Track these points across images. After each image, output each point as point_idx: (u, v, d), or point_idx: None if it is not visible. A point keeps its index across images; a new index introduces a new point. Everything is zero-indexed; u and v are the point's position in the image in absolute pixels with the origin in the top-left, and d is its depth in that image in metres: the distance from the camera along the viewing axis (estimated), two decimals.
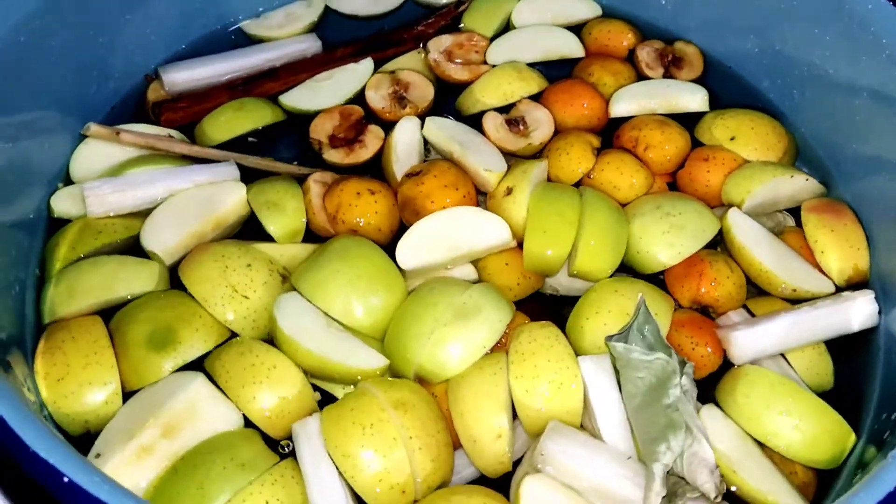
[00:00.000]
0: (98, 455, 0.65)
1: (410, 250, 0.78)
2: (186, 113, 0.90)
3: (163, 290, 0.76)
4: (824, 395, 0.73)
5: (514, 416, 0.70)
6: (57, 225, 0.81)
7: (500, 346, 0.73)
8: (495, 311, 0.73)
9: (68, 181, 0.84)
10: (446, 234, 0.79)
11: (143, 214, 0.81)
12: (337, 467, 0.65)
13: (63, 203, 0.82)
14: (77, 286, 0.74)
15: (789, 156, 0.89)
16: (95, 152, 0.85)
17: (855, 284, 0.79)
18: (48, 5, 0.78)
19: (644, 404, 0.67)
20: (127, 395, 0.70)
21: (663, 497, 0.61)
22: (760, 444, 0.69)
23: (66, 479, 0.47)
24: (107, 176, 0.83)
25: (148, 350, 0.71)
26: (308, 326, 0.72)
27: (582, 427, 0.70)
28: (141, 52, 0.93)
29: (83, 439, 0.68)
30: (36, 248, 0.79)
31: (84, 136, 0.85)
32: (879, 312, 0.75)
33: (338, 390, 0.73)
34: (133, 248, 0.79)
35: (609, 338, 0.70)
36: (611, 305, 0.74)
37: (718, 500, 0.61)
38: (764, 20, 0.91)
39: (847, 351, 0.75)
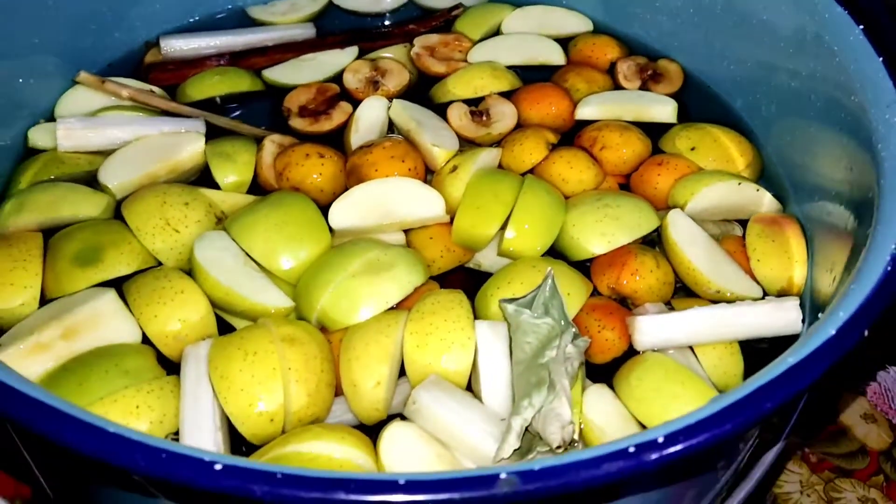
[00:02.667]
0: None
1: (343, 210, 0.80)
2: (173, 74, 0.96)
3: (104, 218, 0.81)
4: None
5: (403, 373, 0.70)
6: (29, 154, 0.87)
7: (404, 307, 0.74)
8: (406, 272, 0.74)
9: (51, 119, 0.91)
10: (382, 201, 0.80)
11: (108, 154, 0.86)
12: (213, 388, 0.66)
13: (39, 135, 0.88)
14: (27, 203, 0.80)
15: (752, 171, 0.87)
16: (81, 97, 0.92)
17: (786, 296, 0.76)
18: None
19: (526, 368, 0.66)
20: (46, 303, 0.74)
21: (515, 450, 0.59)
22: (643, 428, 0.66)
23: None
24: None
25: (72, 265, 0.74)
26: (223, 260, 0.75)
27: (469, 390, 0.69)
28: (145, 21, 1.00)
29: None
30: (2, 171, 0.84)
31: (75, 83, 0.92)
32: (803, 321, 0.71)
33: (243, 326, 0.74)
34: (91, 182, 0.84)
35: (504, 300, 0.69)
36: (523, 278, 0.74)
37: (560, 450, 0.59)
38: (738, 39, 0.91)
39: (763, 356, 0.72)
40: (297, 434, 0.64)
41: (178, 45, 0.99)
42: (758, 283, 0.77)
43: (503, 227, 0.79)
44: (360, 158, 0.84)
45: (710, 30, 0.95)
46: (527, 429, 0.61)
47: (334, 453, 0.62)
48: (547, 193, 0.81)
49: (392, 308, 0.73)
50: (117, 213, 0.81)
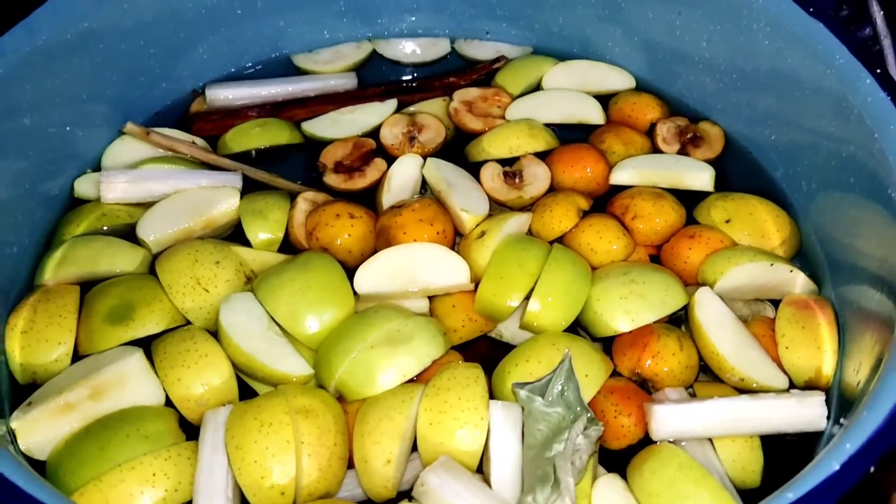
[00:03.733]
0: (29, 403, 0.71)
1: (369, 275, 0.81)
2: (216, 124, 0.98)
3: (139, 273, 0.83)
4: (749, 493, 0.68)
5: (416, 449, 0.71)
6: (75, 204, 0.90)
7: (423, 380, 0.74)
8: (425, 345, 0.74)
9: (97, 169, 0.94)
10: (408, 267, 0.81)
11: (148, 206, 0.89)
12: (228, 457, 0.68)
13: (85, 186, 0.91)
14: (68, 256, 0.83)
15: (788, 248, 0.85)
16: (127, 148, 0.95)
17: (814, 388, 0.73)
18: (105, 21, 0.90)
19: (535, 456, 0.65)
20: (79, 359, 0.77)
21: None
22: None
23: None
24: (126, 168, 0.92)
25: (105, 321, 0.77)
26: (247, 325, 0.76)
27: (479, 472, 0.69)
28: (192, 70, 1.02)
29: (28, 388, 0.75)
30: (46, 219, 0.88)
31: (121, 133, 0.95)
32: (828, 418, 0.69)
33: (264, 391, 0.76)
34: (131, 234, 0.87)
35: (517, 384, 0.69)
36: (542, 356, 0.74)
37: None
38: (781, 106, 0.88)
39: (787, 450, 0.70)
40: None
41: (223, 95, 1.01)
42: (784, 371, 0.75)
43: (528, 298, 0.79)
44: (390, 220, 0.85)
45: (755, 94, 0.92)
46: None
47: None
48: (573, 265, 0.81)
49: (412, 380, 0.74)
50: (153, 267, 0.84)
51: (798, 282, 0.80)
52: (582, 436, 0.65)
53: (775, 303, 0.81)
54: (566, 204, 0.87)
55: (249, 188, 0.91)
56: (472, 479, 0.66)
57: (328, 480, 0.68)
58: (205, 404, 0.73)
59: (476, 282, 0.81)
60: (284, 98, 1.02)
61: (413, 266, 0.81)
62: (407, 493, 0.69)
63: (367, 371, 0.73)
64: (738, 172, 0.93)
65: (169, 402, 0.73)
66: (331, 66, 1.08)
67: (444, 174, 0.89)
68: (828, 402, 0.70)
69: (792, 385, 0.74)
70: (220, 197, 0.88)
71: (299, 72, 1.08)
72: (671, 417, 0.69)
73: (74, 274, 0.82)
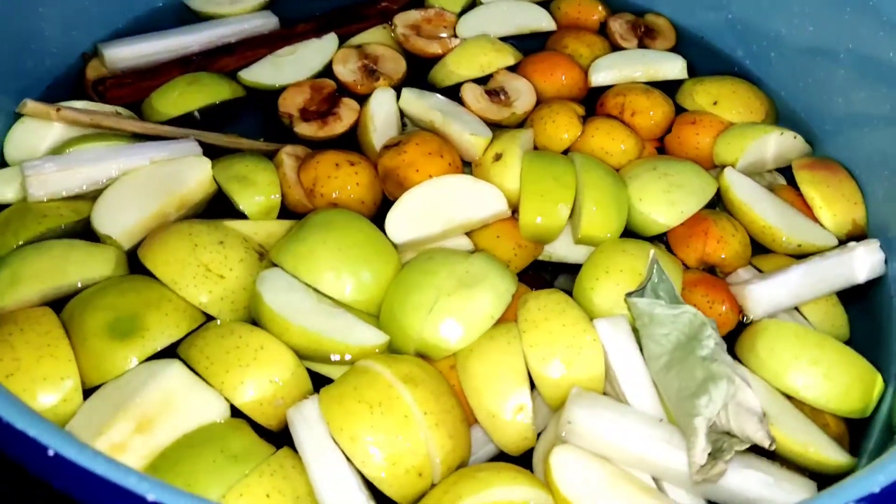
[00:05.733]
0: None
1: (401, 222, 0.71)
2: (133, 89, 0.82)
3: (122, 275, 0.67)
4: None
5: (532, 387, 0.64)
6: None
7: (507, 319, 0.67)
8: (501, 280, 0.67)
9: (3, 164, 0.74)
10: (439, 205, 0.73)
11: (92, 197, 0.71)
12: (343, 452, 0.57)
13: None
14: (21, 272, 0.65)
15: (771, 118, 0.87)
16: (32, 132, 0.76)
17: (854, 238, 0.77)
18: None
19: (673, 361, 0.62)
20: (88, 392, 0.60)
21: (708, 454, 0.56)
22: (789, 398, 0.65)
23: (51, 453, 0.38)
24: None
25: (110, 340, 0.61)
26: (297, 302, 0.64)
27: (605, 394, 0.64)
28: (80, 27, 0.83)
29: None
30: None
31: (19, 115, 0.75)
32: (885, 261, 0.72)
33: (333, 373, 0.65)
34: (82, 234, 0.70)
35: (629, 294, 0.65)
36: (621, 265, 0.69)
37: (773, 447, 0.56)
38: None
39: (859, 301, 0.73)
40: (464, 485, 0.56)
41: (125, 54, 0.84)
42: (826, 230, 0.77)
43: (572, 213, 0.74)
44: (394, 160, 0.75)
45: None
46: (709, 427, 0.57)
47: (515, 497, 0.56)
48: (604, 170, 0.77)
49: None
50: (133, 266, 0.68)
51: (798, 147, 0.83)
52: (714, 330, 0.62)
53: (780, 172, 0.83)
54: (566, 112, 0.82)
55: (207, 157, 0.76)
56: (615, 403, 0.61)
57: (462, 448, 0.60)
58: (282, 403, 0.61)
59: (513, 208, 0.75)
60: (202, 48, 0.87)
61: (444, 203, 0.73)
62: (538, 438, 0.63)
63: (451, 322, 0.64)
64: (699, 58, 0.94)
65: (235, 413, 0.60)
66: (235, 7, 0.93)
67: (430, 103, 0.81)
68: None
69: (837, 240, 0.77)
70: (187, 168, 0.74)
71: (200, 17, 0.92)
72: (765, 293, 0.69)
73: (38, 292, 0.64)
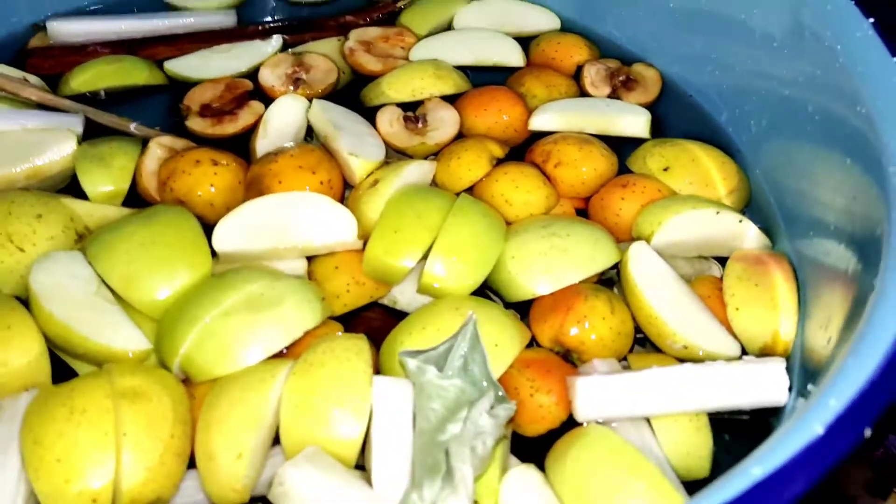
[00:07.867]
0: None
1: (231, 231, 0.65)
2: (57, 61, 0.82)
3: None
4: (695, 484, 0.54)
5: (279, 441, 0.55)
6: None
7: (293, 356, 0.59)
8: (296, 311, 0.59)
9: None
10: (281, 221, 0.65)
11: None
12: (22, 457, 0.51)
13: None
14: None
15: (736, 198, 0.72)
16: None
17: (771, 356, 0.60)
18: None
19: (427, 443, 0.50)
20: None
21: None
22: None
23: None
24: None
25: None
26: (66, 289, 0.60)
27: (361, 468, 0.54)
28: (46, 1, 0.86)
29: None
30: None
31: None
32: (790, 389, 0.56)
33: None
34: None
35: (404, 352, 0.54)
36: (441, 324, 0.59)
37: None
38: (727, 41, 0.76)
39: (740, 433, 0.57)
40: None
41: (68, 29, 0.85)
42: (735, 337, 0.62)
43: (426, 257, 0.64)
44: (263, 168, 0.70)
45: (693, 28, 0.80)
46: None
47: None
48: (482, 217, 0.66)
49: (279, 354, 0.58)
50: None
51: (749, 234, 0.68)
52: (487, 415, 0.50)
53: (722, 261, 0.68)
54: (476, 150, 0.73)
55: (94, 134, 0.75)
56: (345, 474, 0.51)
57: (158, 483, 0.52)
58: (4, 389, 0.56)
59: (365, 239, 0.66)
60: (145, 35, 0.86)
61: (287, 219, 0.65)
62: (263, 499, 0.53)
63: (220, 343, 0.57)
64: (677, 118, 0.81)
65: None
66: (203, 2, 0.92)
67: (331, 116, 0.74)
68: (788, 370, 0.57)
69: (744, 353, 0.61)
70: (52, 141, 0.72)
71: (170, 8, 0.92)
72: (599, 392, 0.55)
73: None
